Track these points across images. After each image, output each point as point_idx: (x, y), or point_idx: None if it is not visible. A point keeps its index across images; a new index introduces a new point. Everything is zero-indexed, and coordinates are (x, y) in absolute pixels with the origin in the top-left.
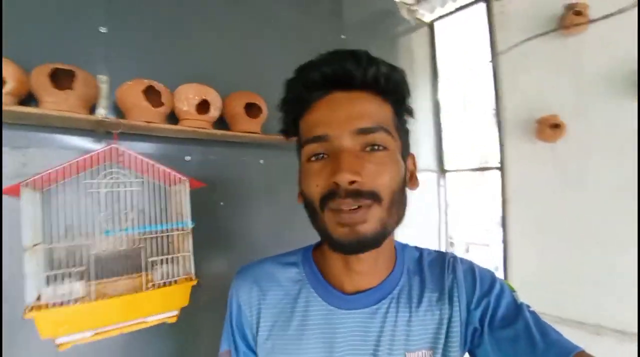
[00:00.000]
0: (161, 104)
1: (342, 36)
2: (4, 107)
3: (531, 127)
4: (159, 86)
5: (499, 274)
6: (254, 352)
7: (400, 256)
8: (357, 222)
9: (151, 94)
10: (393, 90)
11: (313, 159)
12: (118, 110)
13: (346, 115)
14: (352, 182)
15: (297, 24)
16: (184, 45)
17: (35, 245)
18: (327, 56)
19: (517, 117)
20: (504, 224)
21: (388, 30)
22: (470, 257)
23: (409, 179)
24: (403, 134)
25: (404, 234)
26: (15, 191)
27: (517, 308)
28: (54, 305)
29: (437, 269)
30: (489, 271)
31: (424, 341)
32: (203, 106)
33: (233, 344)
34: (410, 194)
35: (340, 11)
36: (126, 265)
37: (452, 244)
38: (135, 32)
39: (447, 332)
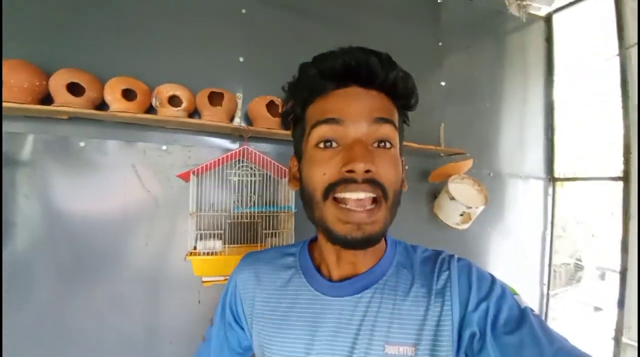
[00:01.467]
0: (278, 114)
1: (440, 43)
2: (181, 119)
3: None
4: (277, 100)
5: None
6: (240, 326)
7: (391, 249)
8: (366, 223)
9: (271, 106)
10: (405, 96)
11: (321, 146)
12: (248, 119)
13: (362, 106)
14: (367, 171)
15: (396, 35)
16: (296, 65)
17: (194, 213)
18: (349, 49)
19: None
20: (623, 248)
21: (493, 30)
22: (609, 286)
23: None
24: (401, 137)
25: (502, 245)
26: (186, 176)
27: (521, 312)
28: (203, 254)
29: (429, 265)
30: (488, 273)
31: (406, 335)
32: None
33: (221, 314)
34: (510, 203)
35: (439, 17)
36: (247, 235)
37: (580, 266)
38: (262, 59)
39: (436, 331)
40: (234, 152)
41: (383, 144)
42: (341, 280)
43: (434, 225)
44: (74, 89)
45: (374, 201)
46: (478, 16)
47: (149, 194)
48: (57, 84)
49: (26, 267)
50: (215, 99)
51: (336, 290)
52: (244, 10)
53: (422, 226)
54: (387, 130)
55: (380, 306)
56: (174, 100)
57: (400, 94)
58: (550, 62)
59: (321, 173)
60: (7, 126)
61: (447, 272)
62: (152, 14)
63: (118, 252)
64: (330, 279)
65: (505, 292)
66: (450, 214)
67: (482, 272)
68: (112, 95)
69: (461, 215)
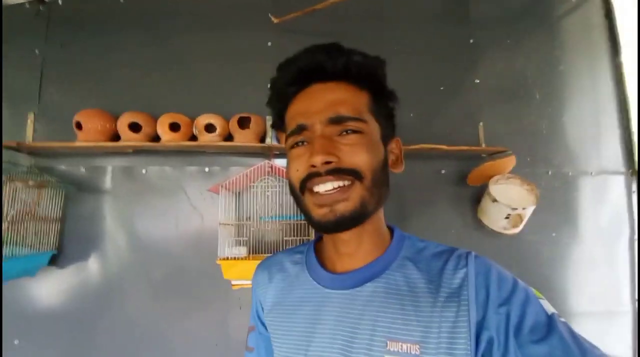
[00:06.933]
0: None
1: (471, 40)
2: (215, 143)
3: None
4: None
5: None
6: (266, 328)
7: (397, 242)
8: (337, 201)
9: None
10: (366, 77)
11: (294, 146)
12: (278, 138)
13: (321, 105)
14: (328, 163)
15: (422, 40)
16: None
17: (224, 222)
18: (302, 52)
19: None
20: None
21: (536, 18)
22: None
23: (394, 162)
24: (383, 118)
25: (573, 254)
26: (216, 190)
27: (549, 319)
28: (231, 259)
29: (441, 262)
30: (509, 273)
31: (412, 333)
32: None
33: (254, 321)
34: (580, 204)
35: (467, 14)
36: (271, 242)
37: None
38: None
39: (451, 333)
40: (256, 166)
41: (349, 131)
42: (342, 273)
43: (482, 232)
44: (134, 127)
45: (344, 187)
46: (515, 6)
47: (195, 210)
48: (122, 124)
49: (104, 280)
50: (244, 123)
51: (336, 282)
52: (269, 43)
53: (468, 232)
54: (345, 126)
55: (383, 302)
56: (210, 128)
57: (357, 77)
58: (615, 40)
59: (295, 170)
60: (93, 162)
61: (464, 270)
62: (189, 58)
63: (175, 262)
64: (332, 272)
65: (529, 295)
66: (494, 217)
67: (503, 272)
68: (162, 128)
69: (506, 218)
